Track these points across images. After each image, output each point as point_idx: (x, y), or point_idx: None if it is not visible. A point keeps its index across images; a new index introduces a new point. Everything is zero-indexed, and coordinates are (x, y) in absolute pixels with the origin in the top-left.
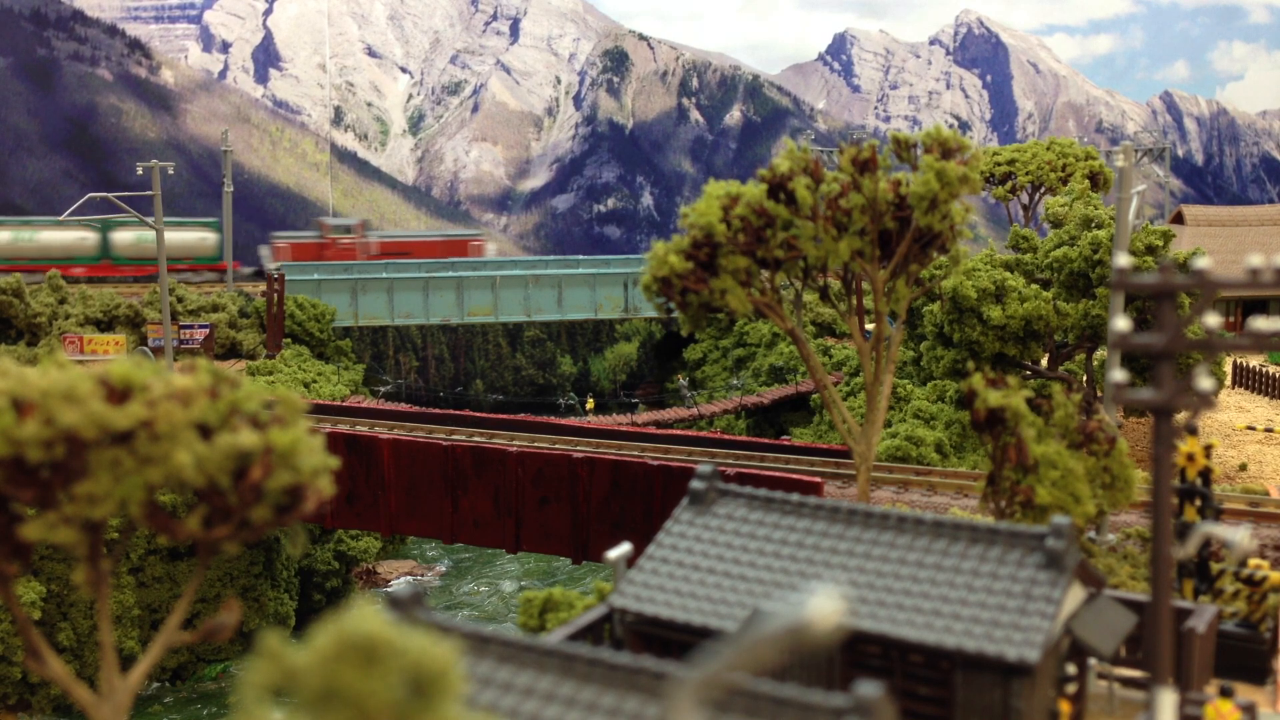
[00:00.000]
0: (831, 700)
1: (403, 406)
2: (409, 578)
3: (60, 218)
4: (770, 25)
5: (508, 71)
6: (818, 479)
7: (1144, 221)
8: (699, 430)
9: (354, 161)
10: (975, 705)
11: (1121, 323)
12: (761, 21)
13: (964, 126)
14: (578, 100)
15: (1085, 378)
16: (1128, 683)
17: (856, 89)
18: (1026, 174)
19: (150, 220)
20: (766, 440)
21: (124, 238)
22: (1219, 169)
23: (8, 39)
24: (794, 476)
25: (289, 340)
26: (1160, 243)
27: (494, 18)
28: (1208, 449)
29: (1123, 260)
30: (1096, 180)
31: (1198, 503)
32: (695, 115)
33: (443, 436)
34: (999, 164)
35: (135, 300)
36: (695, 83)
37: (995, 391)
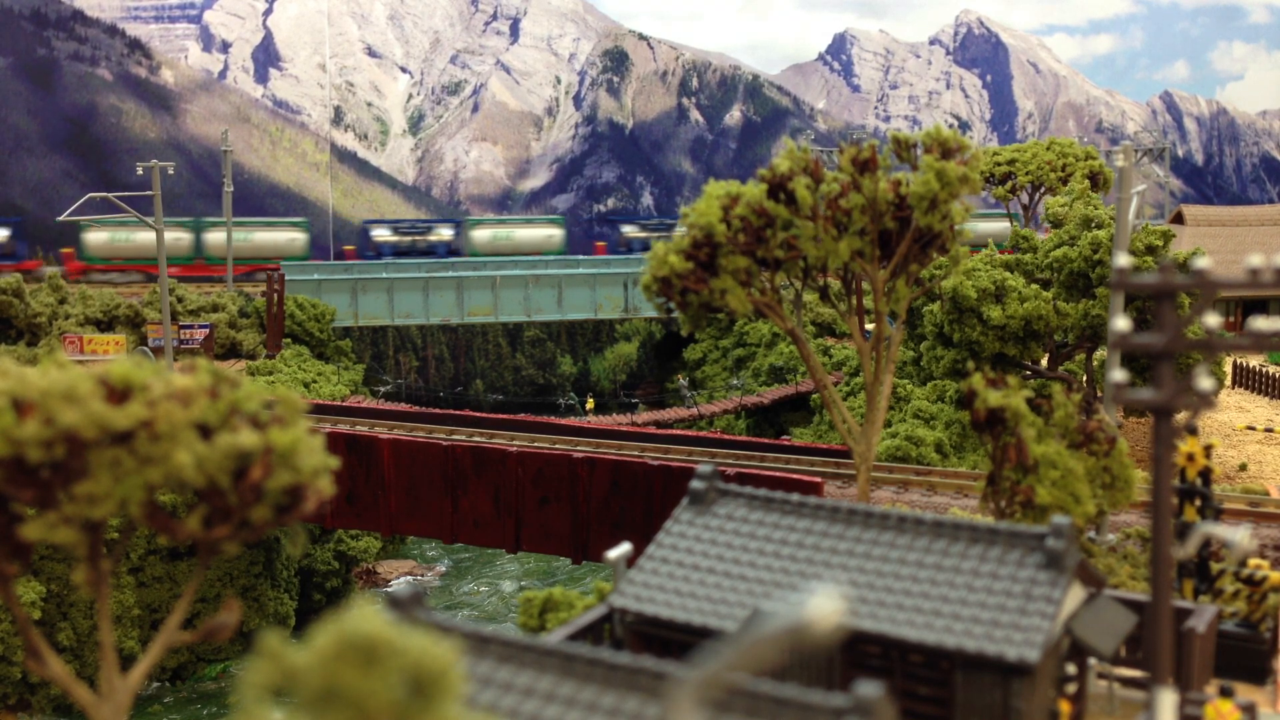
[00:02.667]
0: (831, 700)
1: (403, 406)
2: (409, 578)
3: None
4: (770, 25)
5: (508, 71)
6: (818, 479)
7: (1144, 221)
8: (699, 430)
9: (354, 161)
10: (975, 705)
11: (1121, 323)
12: (761, 21)
13: (964, 126)
14: (578, 100)
15: (1085, 378)
16: (1128, 683)
17: (856, 89)
18: (1026, 174)
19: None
20: (766, 440)
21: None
22: (1219, 169)
23: (8, 39)
24: (794, 476)
25: (289, 340)
26: (1160, 243)
27: (494, 18)
28: (1208, 449)
29: (1123, 260)
30: (1096, 180)
31: (1198, 503)
32: (695, 115)
33: (443, 436)
34: (999, 164)
35: (135, 300)
36: (695, 83)
37: (995, 391)
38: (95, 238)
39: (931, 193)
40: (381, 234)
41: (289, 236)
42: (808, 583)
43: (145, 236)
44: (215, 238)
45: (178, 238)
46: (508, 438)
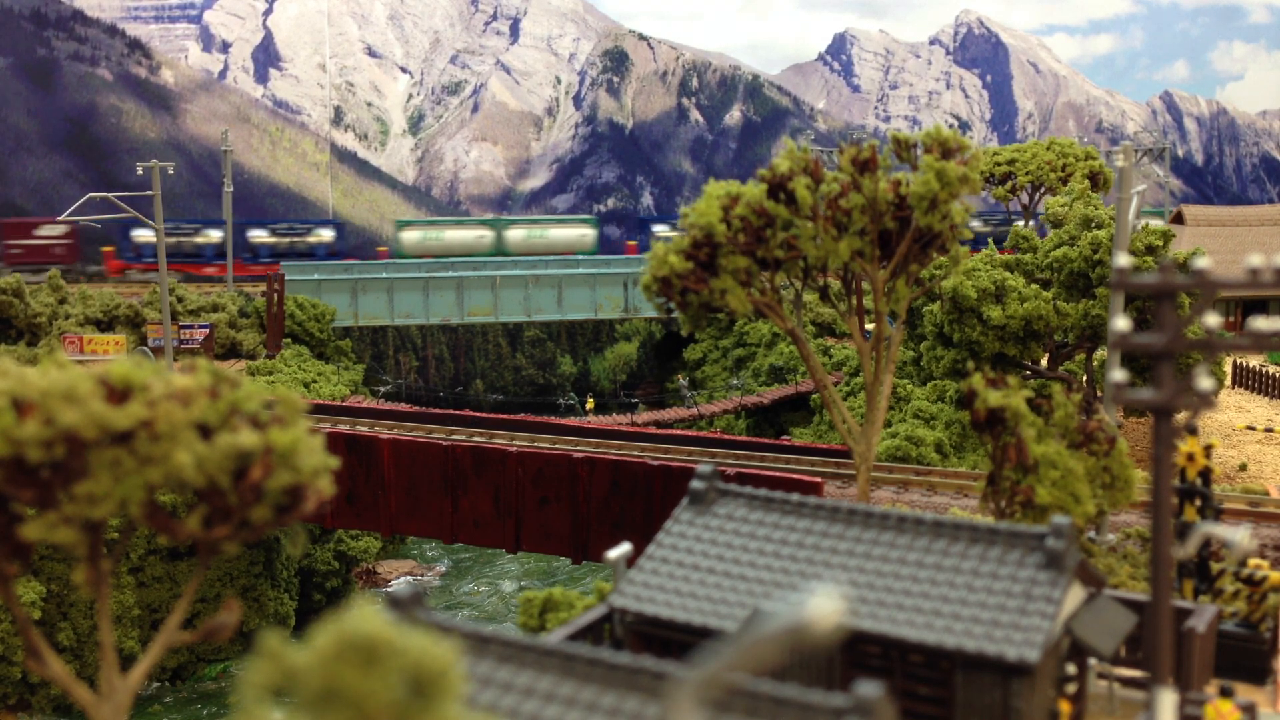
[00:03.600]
0: (831, 700)
1: (403, 406)
2: (409, 578)
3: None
4: (770, 25)
5: (508, 71)
6: (818, 479)
7: (1144, 221)
8: (699, 430)
9: (354, 161)
10: (975, 705)
11: (1121, 323)
12: (761, 21)
13: (964, 126)
14: (578, 100)
15: (1085, 378)
16: (1128, 683)
17: (856, 89)
18: (1026, 174)
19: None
20: (766, 440)
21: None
22: (1219, 169)
23: (8, 39)
24: (794, 476)
25: (289, 340)
26: (1160, 243)
27: (494, 18)
28: (1208, 449)
29: (1123, 260)
30: (1096, 180)
31: (1198, 503)
32: (695, 115)
33: (443, 436)
34: (999, 164)
35: (135, 300)
36: (695, 83)
37: (995, 391)
38: (409, 236)
39: (931, 193)
40: (661, 230)
41: (579, 233)
42: (808, 583)
43: (454, 235)
44: (514, 235)
45: (480, 235)
46: (508, 438)
